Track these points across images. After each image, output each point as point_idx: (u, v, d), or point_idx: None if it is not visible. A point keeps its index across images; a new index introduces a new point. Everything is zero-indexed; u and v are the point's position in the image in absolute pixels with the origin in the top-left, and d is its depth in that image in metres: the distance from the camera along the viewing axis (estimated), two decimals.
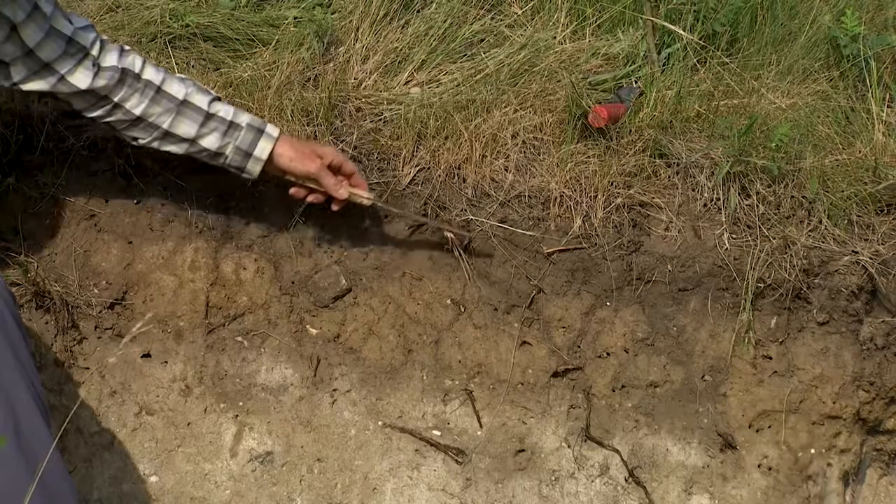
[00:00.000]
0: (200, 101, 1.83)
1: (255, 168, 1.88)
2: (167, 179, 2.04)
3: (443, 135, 2.11)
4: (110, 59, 1.78)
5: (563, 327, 2.11)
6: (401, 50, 2.22)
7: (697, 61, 2.28)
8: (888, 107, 2.33)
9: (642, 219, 2.13)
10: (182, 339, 2.03)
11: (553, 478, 2.09)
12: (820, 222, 2.14)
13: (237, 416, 2.04)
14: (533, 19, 2.34)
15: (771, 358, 2.13)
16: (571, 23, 2.32)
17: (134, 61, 1.80)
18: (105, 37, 1.82)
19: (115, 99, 1.79)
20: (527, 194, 2.11)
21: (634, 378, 2.12)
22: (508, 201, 2.11)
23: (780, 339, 2.14)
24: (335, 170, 1.92)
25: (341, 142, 2.08)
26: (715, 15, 2.32)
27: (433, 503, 2.05)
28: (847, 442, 2.15)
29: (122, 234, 2.04)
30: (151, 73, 1.81)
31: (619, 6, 2.32)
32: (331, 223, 2.08)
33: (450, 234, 2.05)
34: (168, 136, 1.84)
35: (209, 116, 1.84)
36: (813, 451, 2.14)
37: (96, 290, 2.02)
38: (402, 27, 2.25)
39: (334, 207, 1.95)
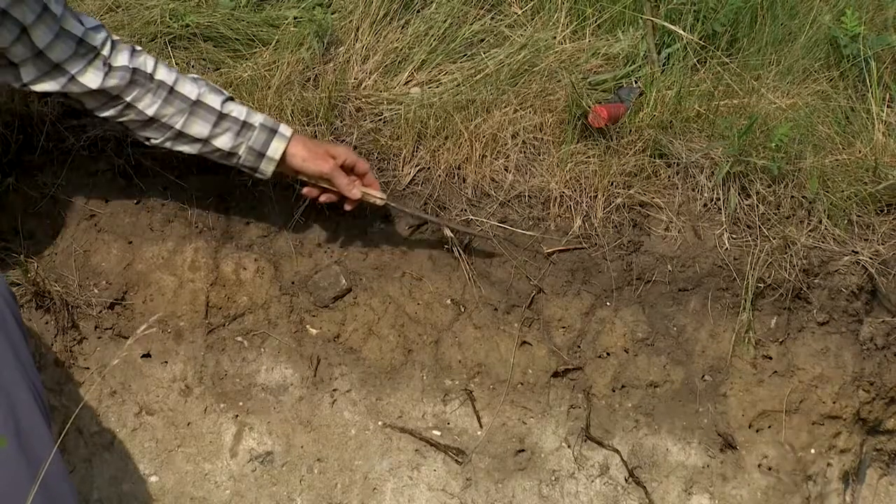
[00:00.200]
0: (213, 101, 1.83)
1: (268, 168, 1.88)
2: (167, 179, 2.04)
3: (443, 135, 2.11)
4: (121, 59, 1.78)
5: (563, 327, 2.11)
6: (401, 50, 2.22)
7: (697, 61, 2.28)
8: (888, 107, 2.33)
9: (642, 219, 2.13)
10: (182, 339, 2.03)
11: (553, 478, 2.09)
12: (820, 222, 2.14)
13: (237, 416, 2.04)
14: (533, 19, 2.34)
15: (771, 358, 2.13)
16: (571, 23, 2.32)
17: (146, 61, 1.80)
18: (116, 37, 1.82)
19: (128, 99, 1.79)
20: (527, 194, 2.11)
21: (634, 378, 2.12)
22: (508, 201, 2.11)
23: (780, 339, 2.14)
24: (348, 169, 1.92)
25: (341, 142, 2.08)
26: (715, 15, 2.32)
27: (433, 503, 2.05)
28: (847, 442, 2.15)
29: (122, 234, 2.04)
30: (164, 74, 1.81)
31: (619, 6, 2.32)
32: (331, 223, 2.08)
33: (449, 234, 2.05)
34: (181, 136, 1.84)
35: (222, 116, 1.84)
36: (813, 451, 2.14)
37: (96, 290, 2.02)
38: (402, 27, 2.25)
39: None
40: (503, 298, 2.09)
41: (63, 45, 1.72)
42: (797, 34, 2.40)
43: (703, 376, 2.13)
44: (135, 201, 2.05)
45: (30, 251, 1.99)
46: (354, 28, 2.21)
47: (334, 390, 2.06)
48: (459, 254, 2.07)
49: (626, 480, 2.11)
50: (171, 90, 1.81)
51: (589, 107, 2.09)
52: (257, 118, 1.86)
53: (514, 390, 2.09)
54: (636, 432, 2.11)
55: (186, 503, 2.00)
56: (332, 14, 2.24)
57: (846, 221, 2.15)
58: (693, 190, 2.16)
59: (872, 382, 2.14)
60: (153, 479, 1.99)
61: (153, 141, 1.85)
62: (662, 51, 2.32)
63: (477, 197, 2.10)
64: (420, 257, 2.10)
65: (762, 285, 2.11)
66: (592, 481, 2.10)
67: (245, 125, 1.85)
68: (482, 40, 2.29)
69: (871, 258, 2.11)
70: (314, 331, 2.07)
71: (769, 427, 2.13)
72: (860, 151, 2.21)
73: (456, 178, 2.11)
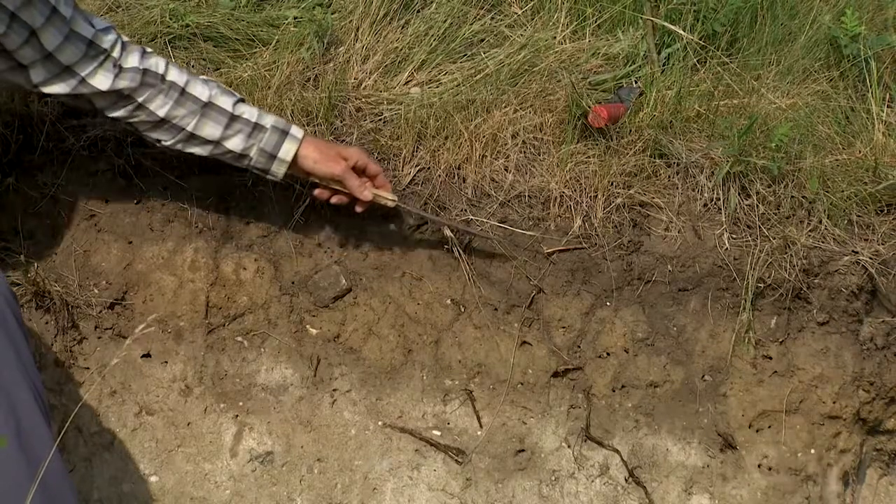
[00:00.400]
0: (225, 102, 1.83)
1: (279, 170, 1.88)
2: (167, 179, 2.04)
3: (443, 135, 2.11)
4: (132, 61, 1.78)
5: (563, 327, 2.11)
6: (401, 50, 2.22)
7: (697, 61, 2.28)
8: (888, 107, 2.33)
9: (642, 219, 2.13)
10: (182, 339, 2.03)
11: (553, 478, 2.09)
12: (820, 222, 2.14)
13: (237, 416, 2.04)
14: (533, 19, 2.34)
15: (771, 358, 2.13)
16: (571, 23, 2.32)
17: (157, 63, 1.80)
18: (126, 38, 1.82)
19: (140, 100, 1.79)
20: (527, 194, 2.11)
21: (634, 378, 2.12)
22: (508, 201, 2.11)
23: (780, 339, 2.14)
24: (360, 171, 1.92)
25: (341, 142, 2.08)
26: (715, 15, 2.32)
27: (433, 503, 2.05)
28: (847, 442, 2.15)
29: (122, 234, 2.04)
30: (175, 75, 1.81)
31: (619, 6, 2.32)
32: (331, 223, 2.08)
33: (450, 234, 2.05)
34: (193, 138, 1.83)
35: (234, 118, 1.83)
36: (813, 451, 2.14)
37: (96, 290, 2.02)
38: (402, 27, 2.25)
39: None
40: (503, 298, 2.09)
41: (73, 47, 1.72)
42: (797, 34, 2.40)
43: (703, 376, 2.13)
44: (135, 201, 2.05)
45: (30, 251, 1.99)
46: (354, 28, 2.21)
47: (334, 390, 2.06)
48: (459, 254, 2.07)
49: (626, 480, 2.11)
50: (183, 91, 1.80)
51: (589, 107, 2.09)
52: (269, 120, 1.86)
53: (514, 390, 2.09)
54: (636, 432, 2.11)
55: (186, 503, 2.00)
56: (332, 14, 2.24)
57: (846, 221, 2.15)
58: (693, 190, 2.16)
59: (872, 382, 2.14)
60: (153, 479, 1.99)
61: (164, 143, 1.85)
62: (662, 51, 2.32)
63: (477, 197, 2.10)
64: (420, 257, 2.10)
65: (762, 285, 2.11)
66: (592, 481, 2.10)
67: (256, 127, 1.85)
68: (482, 40, 2.29)
69: (871, 258, 2.11)
70: (314, 331, 2.07)
71: (769, 427, 2.13)
72: (860, 151, 2.21)
73: (456, 178, 2.11)
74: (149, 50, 1.82)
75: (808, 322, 2.14)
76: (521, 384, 2.10)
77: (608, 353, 2.11)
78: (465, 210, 2.08)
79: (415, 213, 2.04)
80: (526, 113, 2.17)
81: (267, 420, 2.04)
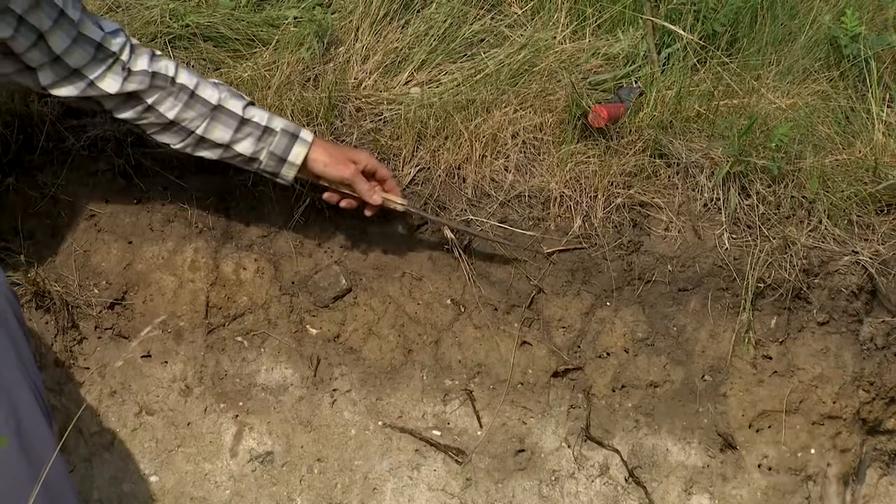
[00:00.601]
0: (235, 105, 1.83)
1: (289, 173, 1.88)
2: (167, 179, 2.04)
3: (443, 135, 2.11)
4: (141, 64, 1.78)
5: (563, 327, 2.11)
6: (401, 50, 2.22)
7: (697, 61, 2.28)
8: (888, 107, 2.33)
9: (642, 219, 2.13)
10: (182, 339, 2.03)
11: (553, 478, 2.09)
12: (820, 222, 2.14)
13: (237, 416, 2.04)
14: (533, 19, 2.34)
15: (771, 358, 2.13)
16: (571, 23, 2.32)
17: (167, 66, 1.79)
18: (135, 41, 1.81)
19: (149, 102, 1.78)
20: (527, 194, 2.11)
21: (634, 378, 2.12)
22: (508, 201, 2.11)
23: (780, 339, 2.14)
24: (369, 175, 1.92)
25: (341, 142, 2.08)
26: (715, 15, 2.32)
27: (433, 503, 2.05)
28: (847, 442, 2.15)
29: (122, 234, 2.04)
30: (185, 77, 1.80)
31: (619, 6, 2.32)
32: (331, 223, 2.08)
33: (450, 236, 2.05)
34: (202, 141, 1.83)
35: (244, 121, 1.83)
36: (813, 451, 2.14)
37: (96, 290, 2.02)
38: (402, 27, 2.25)
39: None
40: (503, 298, 2.09)
41: (81, 50, 1.72)
42: (797, 34, 2.40)
43: (703, 376, 2.13)
44: (135, 201, 2.05)
45: (30, 251, 1.99)
46: (354, 28, 2.21)
47: (334, 390, 2.06)
48: (459, 254, 2.07)
49: (626, 480, 2.11)
50: (193, 94, 1.80)
51: (589, 107, 2.09)
52: (279, 123, 1.86)
53: (514, 390, 2.09)
54: (636, 432, 2.11)
55: (186, 503, 2.00)
56: (332, 14, 2.24)
57: (846, 221, 2.15)
58: (693, 190, 2.16)
59: (872, 382, 2.14)
60: (153, 479, 1.99)
61: (173, 146, 1.84)
62: (662, 51, 2.32)
63: (477, 197, 2.10)
64: (420, 257, 2.10)
65: (762, 285, 2.11)
66: (592, 481, 2.10)
67: (266, 130, 1.84)
68: (482, 40, 2.29)
69: (871, 258, 2.11)
70: (314, 331, 2.07)
71: (769, 427, 2.13)
72: (860, 151, 2.21)
73: (456, 178, 2.11)
74: (158, 52, 1.82)
75: (808, 322, 2.14)
76: (521, 384, 2.10)
77: (608, 353, 2.11)
78: (465, 210, 2.08)
79: (425, 217, 2.04)
80: (526, 113, 2.17)
81: (267, 420, 2.04)
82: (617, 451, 2.11)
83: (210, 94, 1.82)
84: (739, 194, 2.14)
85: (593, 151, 2.13)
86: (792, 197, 2.15)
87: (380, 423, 2.07)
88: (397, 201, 1.95)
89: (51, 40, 1.68)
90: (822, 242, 2.13)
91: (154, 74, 1.78)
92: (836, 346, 2.14)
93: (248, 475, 2.02)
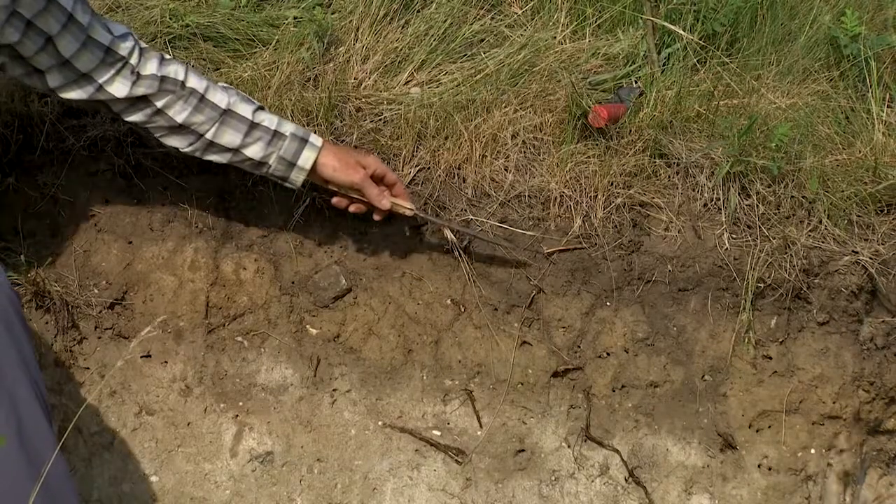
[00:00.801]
0: (244, 110, 1.83)
1: (298, 178, 1.88)
2: (167, 179, 2.04)
3: (443, 135, 2.11)
4: (150, 68, 1.77)
5: (563, 327, 2.11)
6: (401, 50, 2.22)
7: (697, 61, 2.28)
8: (888, 107, 2.33)
9: (642, 219, 2.13)
10: (182, 339, 2.03)
11: (553, 478, 2.09)
12: (820, 222, 2.14)
13: (237, 416, 2.04)
14: (533, 19, 2.34)
15: (771, 358, 2.13)
16: (571, 23, 2.32)
17: (177, 70, 1.79)
18: (145, 44, 1.81)
19: (158, 105, 1.78)
20: (527, 194, 2.11)
21: (634, 378, 2.12)
22: (508, 201, 2.11)
23: (780, 339, 2.14)
24: (378, 179, 1.91)
25: (341, 142, 2.08)
26: (715, 15, 2.32)
27: (433, 503, 2.05)
28: (847, 442, 2.15)
29: (122, 234, 2.04)
30: (195, 81, 1.80)
31: (619, 6, 2.32)
32: (331, 223, 2.08)
33: (452, 238, 2.05)
34: (212, 146, 1.83)
35: (253, 126, 1.83)
36: (813, 451, 2.14)
37: (96, 290, 2.02)
38: (402, 27, 2.25)
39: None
40: (503, 298, 2.09)
41: (90, 54, 1.71)
42: (797, 34, 2.40)
43: (703, 376, 2.13)
44: (135, 201, 2.05)
45: (30, 251, 1.99)
46: (354, 28, 2.21)
47: (334, 390, 2.06)
48: (459, 254, 2.07)
49: (626, 480, 2.11)
50: (202, 98, 1.80)
51: (589, 107, 2.09)
52: (288, 127, 1.85)
53: (514, 390, 2.09)
54: (636, 432, 2.11)
55: (186, 503, 2.00)
56: (332, 14, 2.24)
57: (846, 221, 2.15)
58: (693, 190, 2.16)
59: (872, 382, 2.14)
60: (153, 479, 1.99)
61: (182, 149, 1.84)
62: (662, 51, 2.32)
63: (477, 197, 2.10)
64: (420, 257, 2.10)
65: (762, 285, 2.11)
66: (592, 481, 2.10)
67: (276, 134, 1.84)
68: (482, 40, 2.29)
69: (871, 258, 2.11)
70: (314, 331, 2.07)
71: (769, 427, 2.13)
72: (860, 151, 2.21)
73: (456, 178, 2.11)
74: (168, 56, 1.82)
75: (808, 322, 2.14)
76: (521, 384, 2.10)
77: (608, 353, 2.11)
78: (465, 210, 2.08)
79: (435, 222, 2.04)
80: (526, 113, 2.17)
81: (267, 420, 2.04)
82: (617, 451, 2.11)
83: (220, 98, 1.82)
84: (739, 194, 2.14)
85: (593, 151, 2.13)
86: (792, 197, 2.15)
87: (380, 423, 2.07)
88: (406, 206, 1.95)
89: (59, 44, 1.68)
90: (822, 242, 2.13)
91: (163, 78, 1.78)
92: (836, 346, 2.14)
93: (248, 475, 2.02)
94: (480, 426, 2.09)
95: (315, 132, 2.05)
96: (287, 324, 2.06)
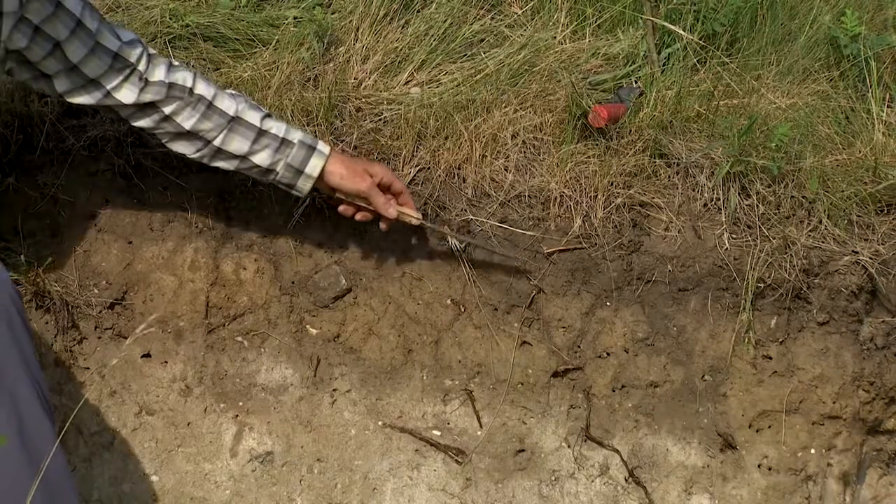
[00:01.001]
0: (253, 117, 1.83)
1: (305, 185, 1.88)
2: (167, 179, 2.04)
3: (443, 135, 2.11)
4: (158, 74, 1.77)
5: (563, 327, 2.11)
6: (401, 50, 2.22)
7: (697, 61, 2.28)
8: (888, 107, 2.33)
9: (642, 219, 2.13)
10: (182, 339, 2.03)
11: (553, 478, 2.09)
12: (820, 222, 2.14)
13: (237, 416, 2.04)
14: (533, 19, 2.34)
15: (771, 358, 2.13)
16: (571, 23, 2.32)
17: (185, 77, 1.79)
18: (153, 50, 1.81)
19: (166, 112, 1.78)
20: (527, 194, 2.11)
21: (634, 378, 2.12)
22: (508, 201, 2.11)
23: (780, 339, 2.14)
24: (384, 188, 1.91)
25: (341, 142, 2.08)
26: (715, 15, 2.32)
27: (433, 503, 2.05)
28: (847, 442, 2.15)
29: (122, 234, 2.04)
30: (203, 88, 1.80)
31: (619, 6, 2.32)
32: (331, 223, 2.08)
33: (447, 234, 2.05)
34: (219, 153, 1.83)
35: (261, 133, 1.83)
36: (813, 451, 2.14)
37: (96, 290, 2.02)
38: (402, 27, 2.25)
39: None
40: (503, 298, 2.09)
41: (98, 60, 1.72)
42: (797, 34, 2.40)
43: (703, 376, 2.13)
44: (135, 201, 2.05)
45: (30, 251, 1.99)
46: (354, 28, 2.21)
47: (334, 390, 2.06)
48: (459, 254, 2.07)
49: (626, 480, 2.11)
50: (210, 105, 1.80)
51: (589, 107, 2.09)
52: (296, 135, 1.85)
53: (514, 390, 2.09)
54: (636, 432, 2.11)
55: (186, 503, 2.00)
56: (332, 14, 2.24)
57: (846, 221, 2.15)
58: (693, 190, 2.16)
59: (872, 382, 2.14)
60: (153, 479, 1.99)
61: (189, 155, 1.84)
62: (662, 51, 2.32)
63: (477, 197, 2.10)
64: (420, 257, 2.10)
65: (762, 285, 2.11)
66: (592, 481, 2.10)
67: (284, 142, 1.84)
68: (482, 40, 2.29)
69: (871, 258, 2.11)
70: (314, 331, 2.07)
71: (769, 427, 2.13)
72: (860, 151, 2.21)
73: (456, 178, 2.11)
74: (176, 63, 1.82)
75: (808, 322, 2.14)
76: (521, 384, 2.10)
77: (608, 353, 2.11)
78: (465, 210, 2.08)
79: (441, 231, 2.04)
80: (526, 113, 2.17)
81: (267, 420, 2.04)
82: (617, 451, 2.11)
83: (228, 105, 1.82)
84: (739, 194, 2.14)
85: (593, 151, 2.13)
86: (792, 197, 2.15)
87: (380, 423, 2.07)
88: (412, 215, 1.95)
89: (67, 50, 1.68)
90: (822, 242, 2.13)
91: (171, 85, 1.78)
92: (836, 346, 2.14)
93: (248, 475, 2.02)
94: (480, 426, 2.09)
95: (315, 132, 2.06)
96: (287, 324, 2.06)
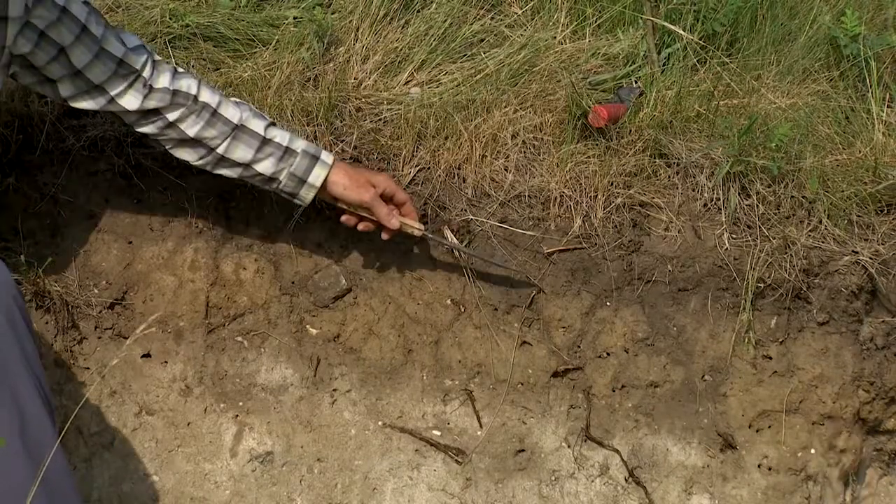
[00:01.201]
0: (257, 125, 1.83)
1: (307, 195, 1.88)
2: (167, 179, 2.04)
3: (443, 135, 2.11)
4: (163, 81, 1.78)
5: (563, 327, 2.11)
6: (401, 50, 2.22)
7: (697, 61, 2.28)
8: (888, 107, 2.33)
9: (642, 219, 2.13)
10: (182, 339, 2.03)
11: (553, 478, 2.09)
12: (820, 222, 2.14)
13: (237, 416, 2.04)
14: (533, 19, 2.34)
15: (771, 358, 2.13)
16: (571, 23, 2.32)
17: (189, 84, 1.79)
18: (158, 57, 1.81)
19: (171, 119, 1.78)
20: (527, 194, 2.11)
21: (634, 378, 2.12)
22: (508, 201, 2.11)
23: (780, 339, 2.14)
24: (387, 198, 1.91)
25: (341, 142, 2.09)
26: (715, 15, 2.32)
27: (433, 503, 2.05)
28: (847, 442, 2.15)
29: (122, 234, 2.04)
30: (207, 96, 1.80)
31: (619, 6, 2.32)
32: (331, 223, 2.08)
33: (449, 246, 2.05)
34: (223, 160, 1.83)
35: (265, 141, 1.83)
36: (813, 451, 2.14)
37: (96, 290, 2.02)
38: (402, 27, 2.25)
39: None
40: (503, 298, 2.09)
41: (102, 65, 1.72)
42: (797, 34, 2.40)
43: (703, 376, 2.13)
44: (135, 201, 2.05)
45: (30, 251, 1.99)
46: (354, 28, 2.21)
47: (334, 390, 2.06)
48: (459, 254, 2.07)
49: (626, 480, 2.11)
50: (215, 112, 1.80)
51: (589, 107, 2.09)
52: (300, 144, 1.85)
53: (514, 390, 2.09)
54: (636, 432, 2.11)
55: (186, 503, 2.00)
56: (332, 14, 2.24)
57: (846, 221, 2.15)
58: (693, 190, 2.16)
59: (872, 382, 2.14)
60: (153, 478, 1.99)
61: (192, 162, 1.84)
62: (662, 51, 2.32)
63: (477, 197, 2.10)
64: (420, 257, 2.10)
65: (762, 285, 2.11)
66: (592, 481, 2.10)
67: (287, 151, 1.84)
68: (482, 40, 2.29)
69: (871, 258, 2.11)
70: (314, 331, 2.07)
71: (769, 427, 2.13)
72: (860, 151, 2.21)
73: (456, 178, 2.11)
74: (181, 70, 1.82)
75: (808, 322, 2.14)
76: (521, 384, 2.10)
77: (608, 353, 2.11)
78: (465, 210, 2.08)
79: (443, 243, 2.04)
80: (526, 113, 2.17)
81: (267, 420, 2.04)
82: (617, 451, 2.11)
83: (232, 113, 1.82)
84: (739, 194, 2.14)
85: (593, 151, 2.13)
86: (792, 197, 2.15)
87: (380, 423, 2.07)
88: (415, 226, 1.95)
89: (72, 55, 1.68)
90: (822, 242, 2.13)
91: (175, 92, 1.78)
92: (836, 346, 2.14)
93: (248, 475, 2.02)
94: (480, 426, 2.09)
95: (315, 132, 2.06)
96: (287, 324, 2.06)
